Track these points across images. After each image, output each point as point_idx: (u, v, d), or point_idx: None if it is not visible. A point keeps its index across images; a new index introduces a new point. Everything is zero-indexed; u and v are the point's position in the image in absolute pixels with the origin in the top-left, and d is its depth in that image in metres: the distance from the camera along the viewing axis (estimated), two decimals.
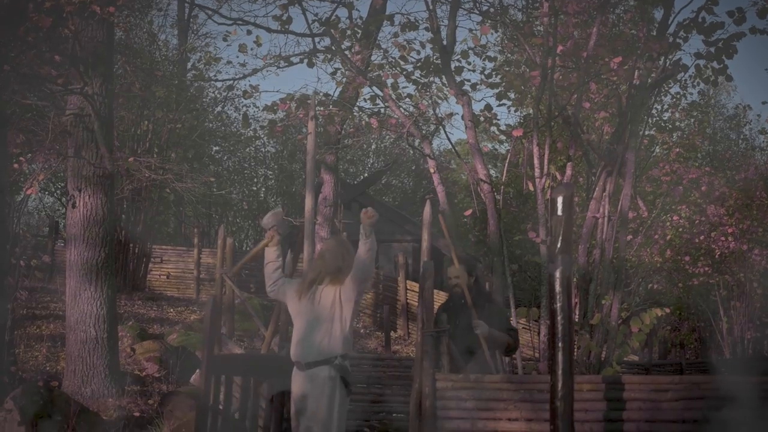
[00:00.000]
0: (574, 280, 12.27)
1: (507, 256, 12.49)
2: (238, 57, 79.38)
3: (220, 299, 18.95)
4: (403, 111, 13.71)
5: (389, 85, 13.65)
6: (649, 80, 12.94)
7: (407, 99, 14.36)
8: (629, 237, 19.87)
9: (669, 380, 8.30)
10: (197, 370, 15.33)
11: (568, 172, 13.20)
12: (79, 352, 13.53)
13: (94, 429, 11.35)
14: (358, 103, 16.65)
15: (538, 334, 12.60)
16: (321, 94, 14.79)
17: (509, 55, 14.99)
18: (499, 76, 14.07)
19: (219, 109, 34.99)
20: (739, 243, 25.82)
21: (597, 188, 12.83)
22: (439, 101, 14.55)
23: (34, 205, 37.94)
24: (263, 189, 46.90)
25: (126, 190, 22.88)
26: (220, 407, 9.17)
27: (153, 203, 27.99)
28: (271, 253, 8.88)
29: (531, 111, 14.03)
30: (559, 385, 7.05)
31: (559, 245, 7.11)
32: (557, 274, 7.11)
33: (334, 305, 8.25)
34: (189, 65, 31.02)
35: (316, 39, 14.76)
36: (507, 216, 20.91)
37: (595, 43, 12.63)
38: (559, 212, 7.14)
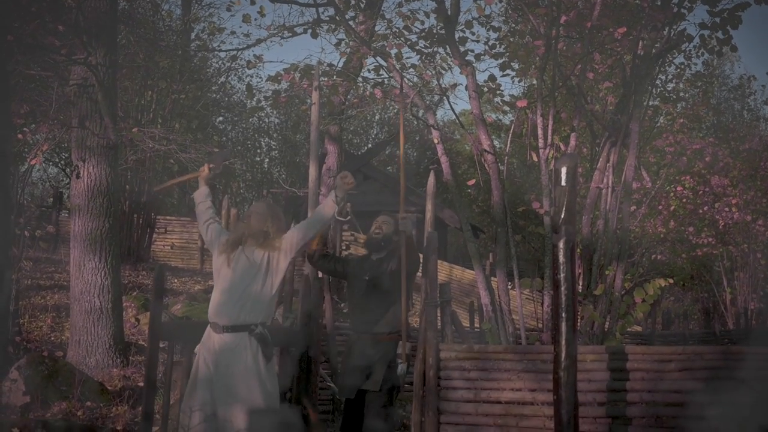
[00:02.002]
0: (578, 250, 12.28)
1: (510, 226, 12.49)
2: (241, 27, 79.36)
3: None
4: (407, 81, 13.68)
5: (393, 55, 13.61)
6: (654, 50, 12.90)
7: (411, 69, 14.34)
8: (633, 208, 19.89)
9: (672, 351, 8.32)
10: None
11: (572, 142, 13.18)
12: (84, 322, 13.56)
13: (98, 399, 11.40)
14: (362, 74, 16.60)
15: (542, 304, 12.61)
16: (325, 64, 14.72)
17: (513, 25, 14.95)
18: (503, 47, 14.03)
19: (223, 79, 34.93)
20: (743, 214, 25.85)
21: (601, 159, 12.82)
22: (443, 71, 14.52)
23: (38, 175, 37.95)
24: (267, 159, 46.89)
25: (130, 160, 22.84)
26: None
27: (157, 174, 27.98)
28: (201, 194, 8.70)
29: (535, 81, 14.02)
30: (563, 355, 7.07)
31: (562, 216, 7.11)
32: (561, 245, 7.11)
33: (260, 271, 7.89)
34: (192, 35, 30.92)
35: (320, 9, 14.69)
36: (511, 187, 20.90)
37: (599, 13, 12.58)
38: (563, 183, 7.14)
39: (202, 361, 7.91)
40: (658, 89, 17.48)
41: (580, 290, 12.17)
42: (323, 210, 8.05)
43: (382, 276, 9.09)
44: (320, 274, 10.03)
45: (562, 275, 7.09)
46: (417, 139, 48.25)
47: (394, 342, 9.02)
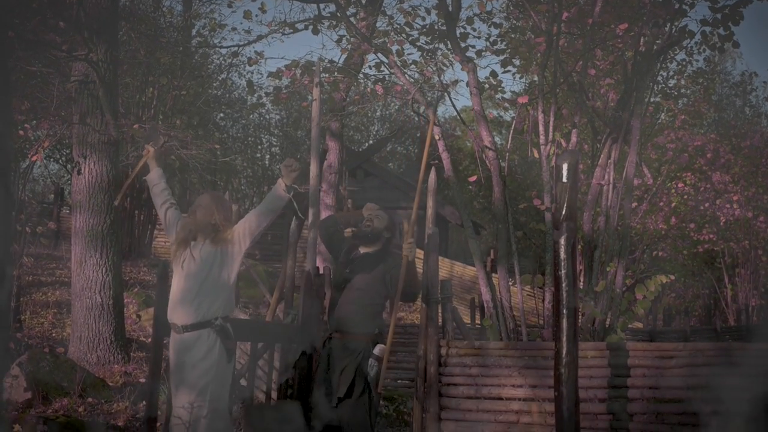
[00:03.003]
0: (579, 247, 12.29)
1: (512, 223, 12.49)
2: (242, 24, 79.38)
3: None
4: (408, 78, 13.68)
5: (394, 51, 13.62)
6: (655, 47, 12.90)
7: (412, 66, 14.34)
8: (634, 204, 19.91)
9: (673, 347, 8.33)
10: None
11: (573, 139, 13.19)
12: (85, 318, 13.57)
13: (99, 395, 11.40)
14: (363, 70, 16.60)
15: (543, 301, 12.62)
16: (326, 60, 14.73)
17: (515, 21, 14.94)
18: (505, 43, 14.03)
19: (224, 76, 34.91)
20: (744, 210, 25.86)
21: (602, 155, 12.82)
22: (444, 68, 14.52)
23: (40, 171, 38.00)
24: (267, 156, 46.90)
25: (131, 156, 22.85)
26: None
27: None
28: (154, 176, 8.41)
29: (536, 78, 14.00)
30: (564, 351, 7.07)
31: (564, 212, 7.11)
32: (562, 241, 7.11)
33: (213, 265, 7.75)
34: (194, 32, 30.91)
35: (321, 5, 14.71)
36: (512, 183, 20.89)
37: (601, 9, 12.58)
38: (564, 179, 7.14)
39: (170, 358, 7.89)
40: (660, 86, 17.48)
41: (581, 287, 12.18)
42: (274, 199, 7.87)
43: (364, 272, 8.70)
44: (321, 270, 9.98)
45: (563, 272, 7.08)
46: (418, 135, 48.22)
47: (367, 343, 8.52)
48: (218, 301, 7.75)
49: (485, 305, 12.37)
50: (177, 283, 7.81)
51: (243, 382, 10.13)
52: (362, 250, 8.87)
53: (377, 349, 8.41)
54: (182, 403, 7.58)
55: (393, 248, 8.88)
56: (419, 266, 9.46)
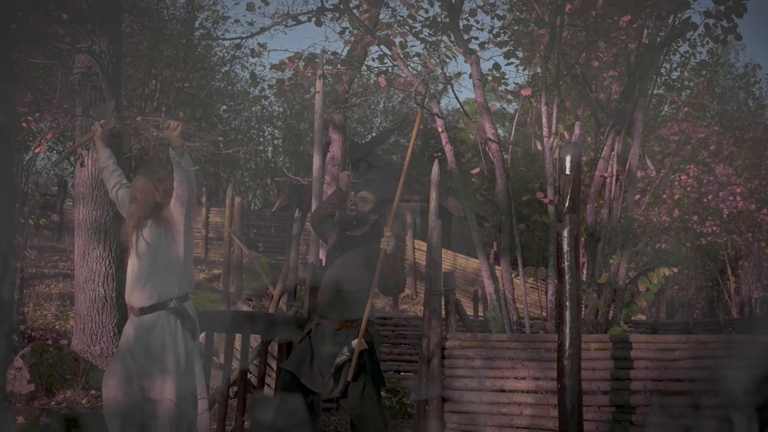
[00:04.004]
0: (582, 239, 12.28)
1: (515, 215, 12.48)
2: (245, 16, 79.40)
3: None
4: (411, 70, 13.67)
5: (397, 43, 13.60)
6: (658, 39, 12.89)
7: (415, 58, 14.33)
8: (637, 196, 19.88)
9: (676, 339, 8.33)
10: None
11: (577, 131, 13.18)
12: (88, 310, 13.58)
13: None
14: (366, 62, 16.60)
15: (546, 293, 12.63)
16: (329, 53, 14.71)
17: (518, 13, 14.92)
18: (508, 35, 14.02)
19: (227, 68, 34.91)
20: (747, 203, 25.85)
21: (605, 147, 12.81)
22: (448, 60, 14.51)
23: (43, 164, 37.91)
24: (270, 148, 46.92)
25: (134, 149, 22.83)
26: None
27: (161, 162, 27.99)
28: (102, 157, 8.15)
29: (539, 70, 13.99)
30: (567, 344, 7.07)
31: (566, 204, 7.10)
32: (565, 234, 7.11)
33: (160, 243, 7.60)
34: (196, 24, 30.91)
35: None
36: (515, 175, 20.87)
37: (604, 1, 12.56)
38: (567, 171, 7.14)
39: (123, 339, 7.75)
40: (663, 78, 17.45)
41: (584, 279, 12.18)
42: (176, 168, 7.55)
43: (352, 256, 8.54)
44: (324, 263, 9.94)
45: (566, 264, 7.08)
46: (421, 127, 48.16)
47: (354, 330, 8.34)
48: (172, 281, 7.61)
49: (488, 297, 12.37)
50: (131, 266, 7.69)
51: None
52: (350, 233, 8.70)
53: (353, 342, 8.23)
54: (156, 388, 7.52)
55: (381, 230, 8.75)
56: (421, 259, 9.45)
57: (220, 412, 8.64)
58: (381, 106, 48.62)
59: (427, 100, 13.68)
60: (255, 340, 10.22)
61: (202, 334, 8.07)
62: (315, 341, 8.39)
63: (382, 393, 9.23)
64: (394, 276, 8.43)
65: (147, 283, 7.57)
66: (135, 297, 7.60)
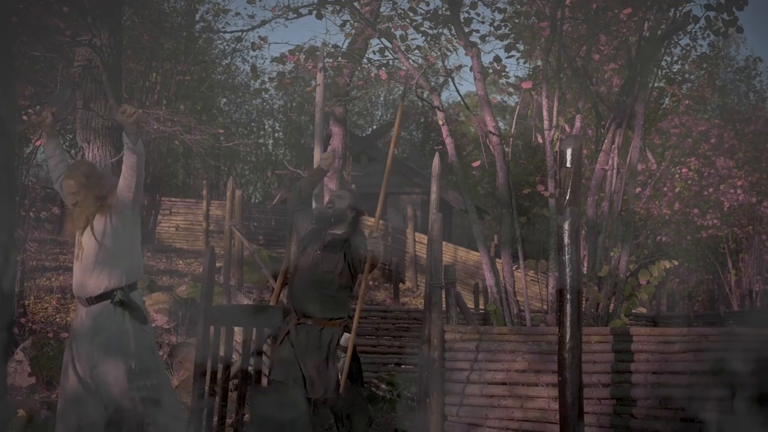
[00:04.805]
0: (583, 232, 12.29)
1: (515, 208, 12.48)
2: (246, 8, 79.09)
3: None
4: (412, 63, 13.66)
5: (398, 36, 13.59)
6: (659, 32, 12.88)
7: (416, 51, 14.31)
8: (638, 189, 19.89)
9: (677, 332, 8.33)
10: None
11: (577, 124, 13.17)
12: None
13: None
14: (366, 55, 16.59)
15: (547, 286, 12.62)
16: (330, 45, 14.71)
17: (518, 6, 14.90)
18: (509, 28, 14.00)
19: (227, 61, 34.92)
20: (748, 195, 25.89)
21: (606, 140, 12.81)
22: (448, 53, 14.50)
23: (43, 156, 37.96)
24: (271, 141, 46.94)
25: None
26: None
27: (162, 155, 28.00)
28: (49, 148, 8.11)
29: (540, 63, 13.97)
30: (567, 336, 7.07)
31: (567, 197, 7.10)
32: (566, 226, 7.10)
33: (105, 234, 7.59)
34: (197, 17, 30.91)
35: None
36: (516, 168, 20.86)
37: None
38: (568, 164, 7.13)
39: (72, 330, 7.81)
40: (664, 71, 17.43)
41: (585, 272, 12.18)
42: (127, 156, 7.51)
43: (332, 254, 8.41)
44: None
45: (567, 257, 7.08)
46: (422, 120, 48.21)
47: (339, 329, 8.26)
48: (118, 270, 7.62)
49: (489, 290, 12.36)
50: (81, 254, 7.68)
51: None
52: (330, 231, 8.58)
53: (343, 339, 8.17)
54: (104, 378, 7.53)
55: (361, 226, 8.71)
56: (422, 252, 9.45)
57: (220, 405, 8.64)
58: (382, 99, 48.69)
59: (427, 94, 13.68)
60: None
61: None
62: (298, 345, 8.26)
63: (383, 386, 9.26)
64: (374, 265, 8.36)
65: (93, 274, 7.59)
66: (83, 288, 7.63)
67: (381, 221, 8.85)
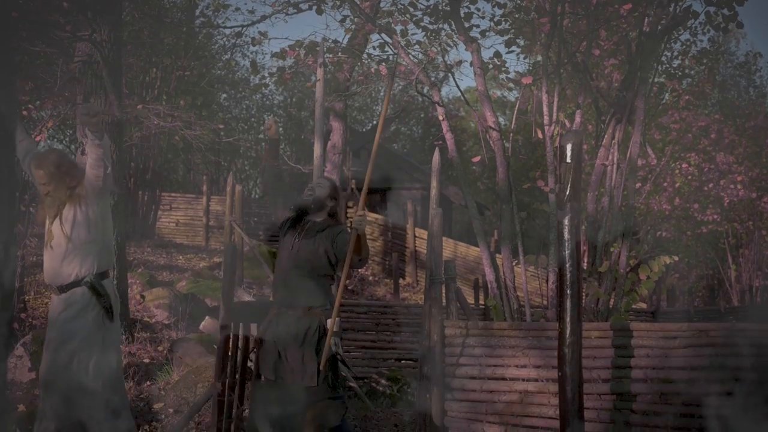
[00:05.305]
0: (583, 227, 12.28)
1: (515, 203, 12.48)
2: (246, 4, 79.05)
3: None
4: (412, 58, 13.65)
5: (398, 31, 13.59)
6: (659, 27, 12.87)
7: (416, 46, 14.31)
8: (638, 185, 19.87)
9: (677, 327, 8.33)
10: (206, 317, 15.43)
11: (578, 119, 13.16)
12: None
13: None
14: (366, 50, 16.58)
15: (547, 281, 12.62)
16: (330, 41, 14.71)
17: (519, 1, 14.89)
18: (509, 23, 13.99)
19: (227, 56, 34.92)
20: (748, 191, 25.86)
21: (606, 136, 12.80)
22: (448, 48, 14.50)
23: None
24: None
25: (135, 137, 22.86)
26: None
27: (162, 150, 28.01)
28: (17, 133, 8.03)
29: (540, 58, 13.97)
30: (568, 332, 7.08)
31: (567, 193, 7.11)
32: (566, 222, 7.11)
33: (75, 222, 7.66)
34: (197, 12, 30.90)
35: None
36: (516, 164, 20.88)
37: None
38: (568, 160, 7.14)
39: (49, 316, 7.85)
40: (664, 66, 17.42)
41: (585, 267, 12.18)
42: (93, 148, 7.48)
43: (312, 242, 8.30)
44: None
45: (567, 252, 7.08)
46: (422, 116, 48.21)
47: (317, 318, 8.11)
48: (89, 258, 7.70)
49: (489, 286, 12.36)
50: (50, 249, 7.74)
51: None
52: (309, 219, 8.53)
53: (327, 324, 8.01)
54: (59, 363, 7.57)
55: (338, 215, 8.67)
56: (422, 247, 9.45)
57: (219, 401, 8.66)
58: (382, 94, 48.60)
59: (427, 89, 13.67)
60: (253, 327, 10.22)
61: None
62: (278, 336, 8.13)
63: (383, 381, 9.25)
64: (361, 251, 8.11)
65: (63, 262, 7.65)
66: (55, 277, 7.69)
67: (381, 216, 8.87)
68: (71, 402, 7.51)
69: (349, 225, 8.33)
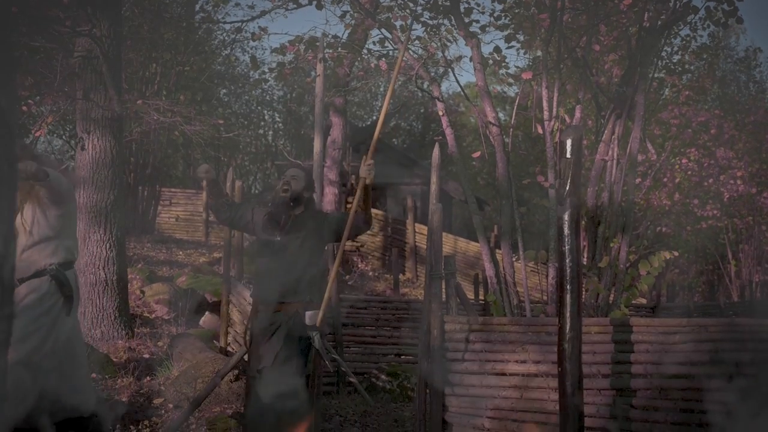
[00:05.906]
0: (583, 222, 12.29)
1: (515, 198, 12.48)
2: None
3: (229, 241, 19.05)
4: (412, 53, 13.65)
5: (398, 27, 13.58)
6: (659, 22, 12.87)
7: (416, 41, 14.31)
8: (638, 180, 19.88)
9: (677, 323, 8.32)
10: (206, 313, 15.43)
11: (578, 114, 13.17)
12: (89, 294, 13.57)
13: (103, 371, 11.43)
14: (366, 46, 16.59)
15: (546, 276, 12.63)
16: (330, 36, 14.71)
17: None
18: (509, 18, 13.99)
19: (227, 51, 34.91)
20: (748, 186, 25.89)
21: (606, 131, 12.81)
22: (448, 44, 14.50)
23: (43, 147, 37.94)
24: (270, 132, 46.94)
25: (135, 132, 22.86)
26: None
27: (161, 146, 28.01)
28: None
29: (540, 53, 13.97)
30: (567, 327, 7.07)
31: (567, 188, 7.10)
32: (566, 217, 7.10)
33: (35, 216, 7.71)
34: (197, 7, 30.90)
35: None
36: (516, 159, 20.86)
37: None
38: (568, 155, 7.13)
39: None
40: (664, 61, 17.42)
41: (584, 262, 12.18)
42: (44, 184, 7.61)
43: (297, 236, 8.23)
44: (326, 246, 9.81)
45: (566, 247, 7.08)
46: (422, 111, 48.21)
47: (295, 309, 8.05)
48: (48, 249, 7.75)
49: (489, 281, 12.37)
50: (18, 241, 7.73)
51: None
52: (293, 213, 8.39)
53: (307, 318, 7.87)
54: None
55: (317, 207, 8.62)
56: (422, 243, 9.44)
57: (221, 396, 8.66)
58: (381, 89, 48.61)
59: (427, 84, 13.66)
60: None
61: None
62: (256, 333, 8.17)
63: (383, 377, 9.23)
64: (367, 208, 8.19)
65: (24, 254, 7.66)
66: (19, 270, 7.60)
67: (381, 211, 8.86)
68: (33, 381, 7.53)
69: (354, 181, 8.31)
